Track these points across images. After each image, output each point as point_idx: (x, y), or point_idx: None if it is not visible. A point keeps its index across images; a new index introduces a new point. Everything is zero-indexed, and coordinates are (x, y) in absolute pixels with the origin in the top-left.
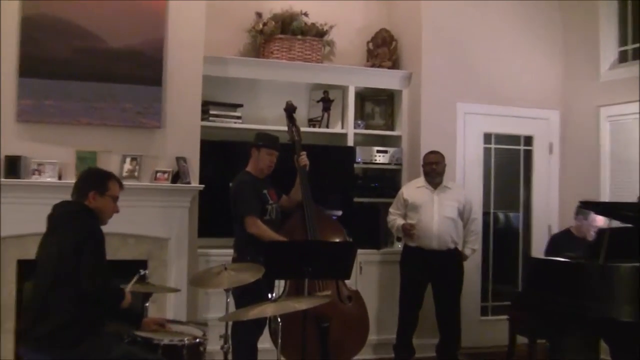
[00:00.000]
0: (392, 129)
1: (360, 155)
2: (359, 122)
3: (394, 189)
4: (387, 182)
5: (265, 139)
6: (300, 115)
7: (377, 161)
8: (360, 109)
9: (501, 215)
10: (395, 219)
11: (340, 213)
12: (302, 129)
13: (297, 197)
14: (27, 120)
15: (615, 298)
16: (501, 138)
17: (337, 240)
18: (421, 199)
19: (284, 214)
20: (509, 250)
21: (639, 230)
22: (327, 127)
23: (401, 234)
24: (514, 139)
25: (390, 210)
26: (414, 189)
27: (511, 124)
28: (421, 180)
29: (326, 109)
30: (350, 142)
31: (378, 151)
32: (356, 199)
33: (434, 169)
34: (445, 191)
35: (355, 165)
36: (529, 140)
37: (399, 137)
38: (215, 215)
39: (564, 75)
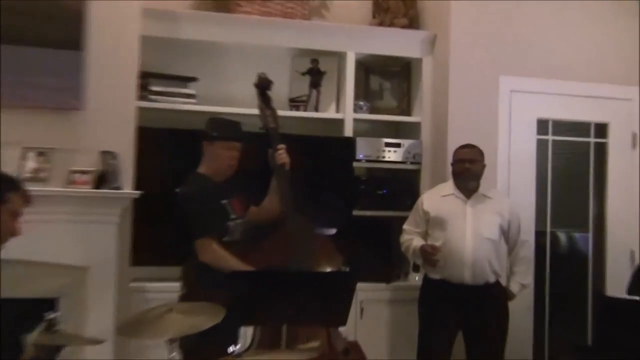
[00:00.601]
0: (408, 114)
1: (362, 150)
2: (362, 103)
3: (410, 198)
4: (401, 187)
5: (221, 127)
6: (279, 94)
7: (387, 158)
8: (364, 86)
9: (562, 236)
10: (411, 239)
11: (334, 231)
12: (281, 112)
13: (272, 209)
14: None
15: None
16: (563, 126)
17: (330, 269)
18: (449, 212)
19: (256, 232)
20: (573, 286)
21: None
22: (317, 110)
23: (420, 261)
24: (581, 127)
25: (405, 227)
26: (438, 198)
27: (577, 107)
28: (449, 186)
29: (315, 84)
30: (348, 132)
31: (388, 145)
32: (357, 212)
33: (468, 170)
34: (483, 201)
35: (355, 165)
36: (602, 129)
37: (417, 125)
38: (156, 235)
39: None
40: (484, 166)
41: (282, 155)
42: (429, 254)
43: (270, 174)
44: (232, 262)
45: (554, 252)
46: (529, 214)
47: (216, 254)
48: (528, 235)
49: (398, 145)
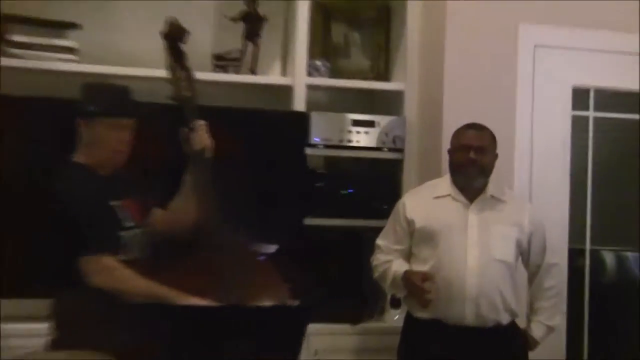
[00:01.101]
0: (386, 79)
1: (320, 130)
2: (319, 64)
3: (388, 200)
4: (375, 185)
5: (101, 98)
6: (199, 48)
7: (355, 143)
8: (323, 38)
9: (608, 257)
10: (388, 261)
11: (277, 248)
12: (200, 75)
13: (185, 214)
14: None
15: None
16: (610, 98)
17: (270, 303)
18: (444, 222)
19: (163, 247)
20: (624, 327)
21: None
22: (253, 72)
23: (401, 294)
24: (636, 100)
25: (379, 243)
26: (428, 201)
27: (631, 71)
28: (444, 184)
29: (251, 36)
30: (299, 105)
31: (357, 123)
32: (311, 221)
33: (474, 162)
34: (494, 207)
35: (309, 152)
36: None
37: (398, 96)
38: (17, 252)
39: None
40: (495, 156)
41: (200, 136)
42: (415, 285)
43: (183, 163)
44: (136, 284)
45: (596, 279)
46: (560, 226)
47: (112, 274)
48: (558, 255)
49: (371, 123)
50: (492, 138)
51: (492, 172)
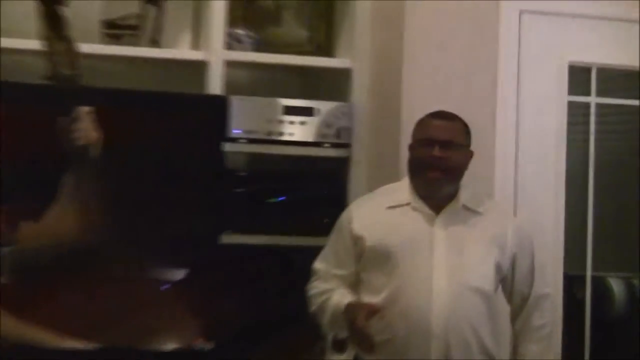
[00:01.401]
0: (329, 53)
1: (242, 120)
2: (242, 33)
3: (331, 211)
4: (313, 192)
5: None
6: (84, 13)
7: (288, 137)
8: (246, 0)
9: (615, 285)
10: (329, 291)
11: (181, 275)
12: (87, 47)
13: (64, 227)
14: None
15: None
16: (617, 80)
17: (174, 344)
18: (402, 239)
19: (37, 270)
20: None
21: None
22: (156, 44)
23: (344, 333)
24: None
25: (318, 267)
26: (381, 213)
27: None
28: (403, 190)
29: None
30: (215, 87)
31: (290, 111)
32: (230, 238)
33: (439, 160)
34: (467, 220)
35: (228, 148)
36: None
37: (344, 75)
38: None
39: None
40: (470, 154)
41: (84, 128)
42: (356, 322)
43: (62, 162)
44: (6, 324)
45: (600, 313)
46: (553, 245)
47: None
48: (550, 284)
49: (308, 111)
50: (465, 130)
51: (464, 175)
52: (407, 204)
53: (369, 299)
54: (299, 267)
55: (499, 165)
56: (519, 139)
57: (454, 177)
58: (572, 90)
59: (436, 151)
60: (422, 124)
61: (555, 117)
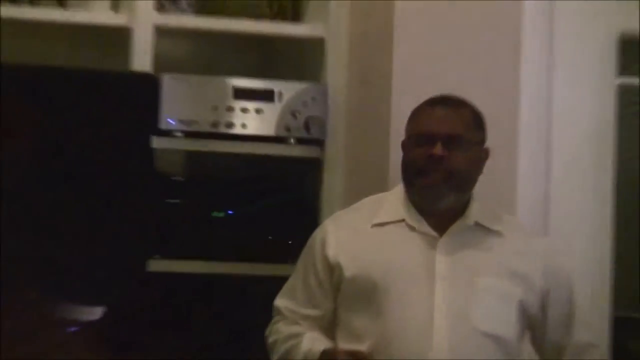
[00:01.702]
0: (295, 17)
1: (178, 107)
2: None
3: (295, 230)
4: (273, 204)
5: None
6: None
7: (239, 130)
8: None
9: None
10: (295, 335)
11: (98, 314)
12: None
13: None
14: None
15: None
16: None
17: None
18: (393, 268)
19: None
20: None
21: None
22: (62, 5)
23: None
24: None
25: (281, 304)
26: (366, 233)
27: None
28: (393, 202)
29: None
30: (143, 61)
31: (242, 94)
32: (160, 264)
33: (441, 160)
34: (480, 243)
35: (159, 144)
36: None
37: (315, 47)
38: None
39: None
40: (484, 154)
41: None
42: None
43: None
44: None
45: None
46: (599, 279)
47: None
48: (595, 329)
49: (267, 95)
50: (477, 121)
51: (476, 181)
52: (401, 221)
53: (351, 347)
54: (252, 303)
55: (523, 170)
56: (551, 135)
57: (463, 185)
58: (622, 70)
59: (438, 149)
60: (418, 113)
61: (599, 105)
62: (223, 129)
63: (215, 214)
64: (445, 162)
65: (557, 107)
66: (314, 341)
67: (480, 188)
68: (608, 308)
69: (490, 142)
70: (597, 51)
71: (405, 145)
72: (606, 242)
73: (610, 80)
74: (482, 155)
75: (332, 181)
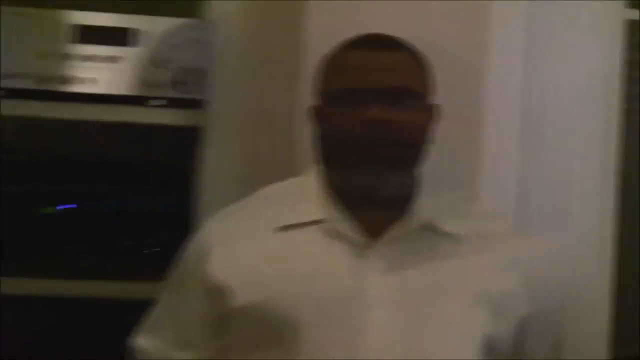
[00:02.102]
0: None
1: None
2: None
3: (164, 233)
4: (130, 193)
5: None
6: None
7: (83, 87)
8: None
9: None
10: None
11: None
12: None
13: None
14: None
15: None
16: None
17: None
18: (307, 290)
19: None
20: None
21: None
22: None
23: None
24: None
25: (144, 345)
26: (264, 239)
27: None
28: (307, 194)
29: None
30: None
31: (88, 35)
32: None
33: (385, 123)
34: (433, 251)
35: None
36: None
37: None
38: None
39: None
40: (435, 114)
41: None
42: None
43: None
44: None
45: None
46: (597, 302)
47: None
48: None
49: (122, 36)
50: (423, 68)
51: (424, 157)
52: (317, 222)
53: None
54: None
55: (492, 143)
56: (531, 101)
57: (415, 156)
58: (631, 48)
59: (376, 110)
60: (339, 61)
61: (602, 83)
62: (61, 87)
63: (46, 209)
64: (389, 127)
65: (541, 71)
66: None
67: (434, 165)
68: (605, 343)
69: (450, 110)
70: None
71: (319, 111)
72: (605, 249)
73: (617, 46)
74: (432, 117)
75: (218, 161)
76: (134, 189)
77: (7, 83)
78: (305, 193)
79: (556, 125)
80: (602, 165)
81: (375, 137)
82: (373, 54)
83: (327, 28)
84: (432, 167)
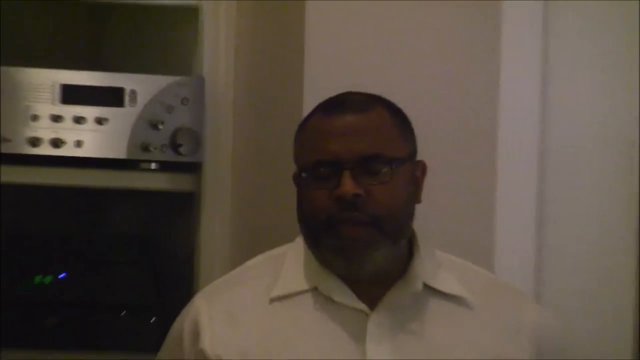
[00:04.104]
0: None
1: None
2: None
3: (160, 308)
4: (122, 261)
5: None
6: None
7: (71, 149)
8: None
9: None
10: None
11: None
12: None
13: None
14: None
15: None
16: None
17: None
18: None
19: None
20: None
21: None
22: None
23: None
24: None
25: None
26: (259, 312)
27: None
28: (297, 261)
29: None
30: None
31: (75, 95)
32: None
33: (355, 201)
34: (431, 313)
35: None
36: None
37: (183, 16)
38: None
39: None
40: (418, 172)
41: None
42: None
43: None
44: None
45: None
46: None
47: None
48: None
49: (115, 97)
50: (399, 125)
51: (412, 220)
52: (311, 290)
53: None
54: None
55: (503, 200)
56: (545, 151)
57: (395, 229)
58: None
59: (348, 184)
60: (309, 130)
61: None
62: (47, 149)
63: (37, 280)
64: (362, 203)
65: (553, 114)
66: None
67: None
68: None
69: (447, 159)
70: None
71: (299, 182)
72: (627, 304)
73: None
74: (416, 175)
75: (212, 226)
76: (125, 259)
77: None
78: (298, 260)
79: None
80: (623, 224)
81: (346, 218)
82: (342, 120)
83: (323, 82)
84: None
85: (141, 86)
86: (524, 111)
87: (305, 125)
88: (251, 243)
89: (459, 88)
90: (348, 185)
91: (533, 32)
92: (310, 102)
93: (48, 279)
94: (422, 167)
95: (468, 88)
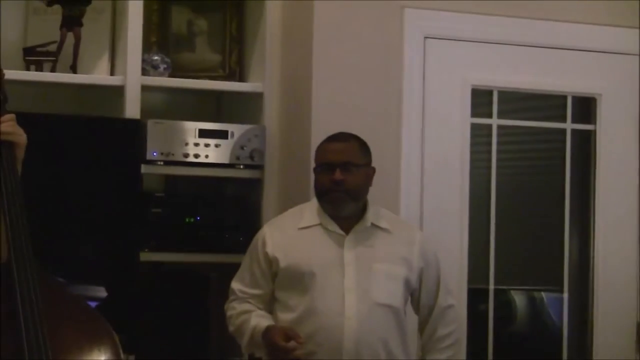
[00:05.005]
0: (241, 78)
1: (158, 143)
2: (157, 58)
3: (245, 231)
4: (228, 212)
5: None
6: (4, 39)
7: (203, 159)
8: (161, 27)
9: (518, 299)
10: (247, 312)
11: (104, 295)
12: (10, 73)
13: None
14: None
15: None
16: (517, 102)
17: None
18: (314, 259)
19: None
20: None
21: None
22: (74, 69)
23: (261, 352)
24: (550, 104)
25: (235, 287)
26: (293, 234)
27: (542, 68)
28: (311, 210)
29: (70, 23)
30: (133, 111)
31: (204, 134)
32: (147, 256)
33: (338, 182)
34: (376, 238)
35: (145, 170)
36: (586, 107)
37: (256, 99)
38: None
39: None
40: (371, 172)
41: (8, 126)
42: (277, 345)
43: None
44: None
45: (503, 325)
46: (458, 261)
47: None
48: (455, 295)
49: (223, 134)
50: (362, 149)
51: (367, 191)
52: (318, 224)
53: (284, 316)
54: (215, 283)
55: (405, 184)
56: (424, 159)
57: (357, 196)
58: (474, 112)
59: (337, 175)
60: (320, 148)
61: (459, 139)
62: (191, 159)
63: (187, 219)
64: (343, 183)
65: (429, 138)
66: (260, 318)
67: (375, 197)
68: (466, 281)
69: (381, 166)
70: (458, 99)
71: (315, 171)
72: (464, 234)
73: (465, 120)
74: (370, 173)
75: (269, 195)
76: (230, 210)
77: (165, 157)
78: (311, 210)
79: (433, 178)
80: (458, 197)
81: (334, 187)
82: (334, 144)
83: (324, 127)
84: (376, 197)
85: (236, 129)
86: None
87: (320, 145)
88: (289, 202)
89: None
90: (337, 175)
91: None
92: (317, 137)
93: (192, 219)
94: (373, 170)
95: None
